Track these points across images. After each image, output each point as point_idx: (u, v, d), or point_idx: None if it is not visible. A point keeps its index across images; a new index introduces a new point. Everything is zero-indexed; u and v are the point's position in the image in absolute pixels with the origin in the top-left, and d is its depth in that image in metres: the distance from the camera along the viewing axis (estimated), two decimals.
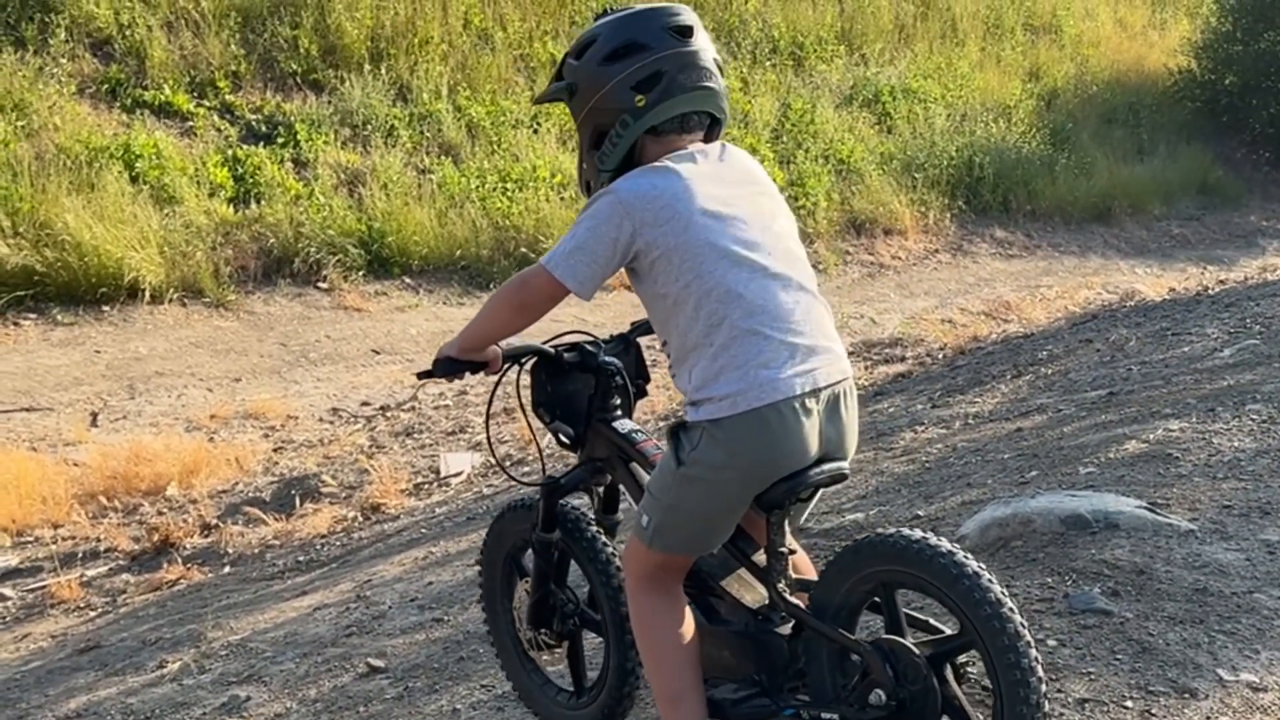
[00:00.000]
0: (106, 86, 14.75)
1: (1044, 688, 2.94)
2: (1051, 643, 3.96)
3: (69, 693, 5.75)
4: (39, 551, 8.79)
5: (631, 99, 3.22)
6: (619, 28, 3.28)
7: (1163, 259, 19.22)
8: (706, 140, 3.38)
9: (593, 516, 3.85)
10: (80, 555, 8.61)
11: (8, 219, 12.66)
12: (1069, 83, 23.13)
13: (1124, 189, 20.73)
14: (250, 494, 9.34)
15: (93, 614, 7.66)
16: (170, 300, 12.99)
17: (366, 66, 16.11)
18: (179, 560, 8.19)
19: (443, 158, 15.70)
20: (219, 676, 5.49)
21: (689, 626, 3.35)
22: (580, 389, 3.65)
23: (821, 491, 3.42)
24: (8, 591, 8.18)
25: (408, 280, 14.34)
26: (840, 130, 19.03)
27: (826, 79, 20.01)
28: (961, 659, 3.13)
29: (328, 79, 15.96)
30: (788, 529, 3.26)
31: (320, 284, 13.84)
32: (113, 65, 15.01)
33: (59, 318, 12.44)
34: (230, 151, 14.64)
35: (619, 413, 3.70)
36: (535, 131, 16.46)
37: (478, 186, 15.34)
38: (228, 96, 15.33)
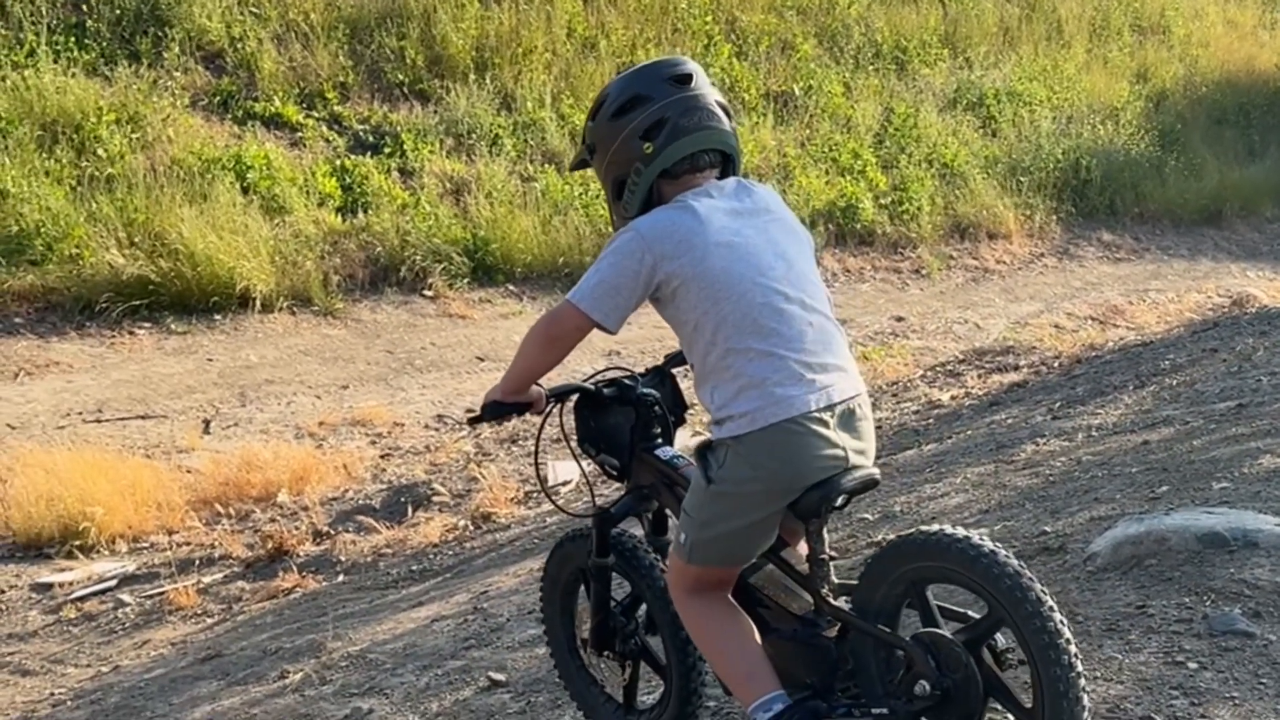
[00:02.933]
0: (218, 99, 14.96)
1: (1073, 649, 3.07)
2: (1192, 665, 3.87)
3: (193, 702, 5.81)
4: (155, 558, 8.91)
5: (640, 148, 3.47)
6: (624, 85, 3.57)
7: (1275, 261, 18.82)
8: (723, 176, 3.61)
9: (644, 540, 4.02)
10: (196, 562, 8.72)
11: (124, 230, 12.87)
12: (1178, 84, 22.72)
13: (1235, 190, 20.34)
14: (360, 501, 9.40)
15: (210, 621, 7.74)
16: (280, 309, 13.14)
17: (471, 76, 16.20)
18: (294, 568, 8.26)
19: (546, 166, 15.74)
20: (340, 688, 5.51)
21: (741, 614, 3.54)
22: (622, 422, 3.85)
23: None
24: (126, 598, 8.31)
25: (511, 287, 14.39)
26: (944, 134, 18.84)
27: (930, 82, 19.82)
28: (1002, 645, 3.25)
29: (433, 89, 16.07)
30: (826, 536, 3.43)
31: (426, 292, 13.94)
32: (224, 78, 15.23)
33: (173, 326, 12.63)
34: (338, 161, 14.79)
35: (660, 440, 3.88)
36: None
37: (581, 194, 15.36)
38: (336, 107, 15.48)
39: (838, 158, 17.57)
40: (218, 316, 12.85)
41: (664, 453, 3.85)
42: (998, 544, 3.18)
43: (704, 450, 3.42)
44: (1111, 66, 22.32)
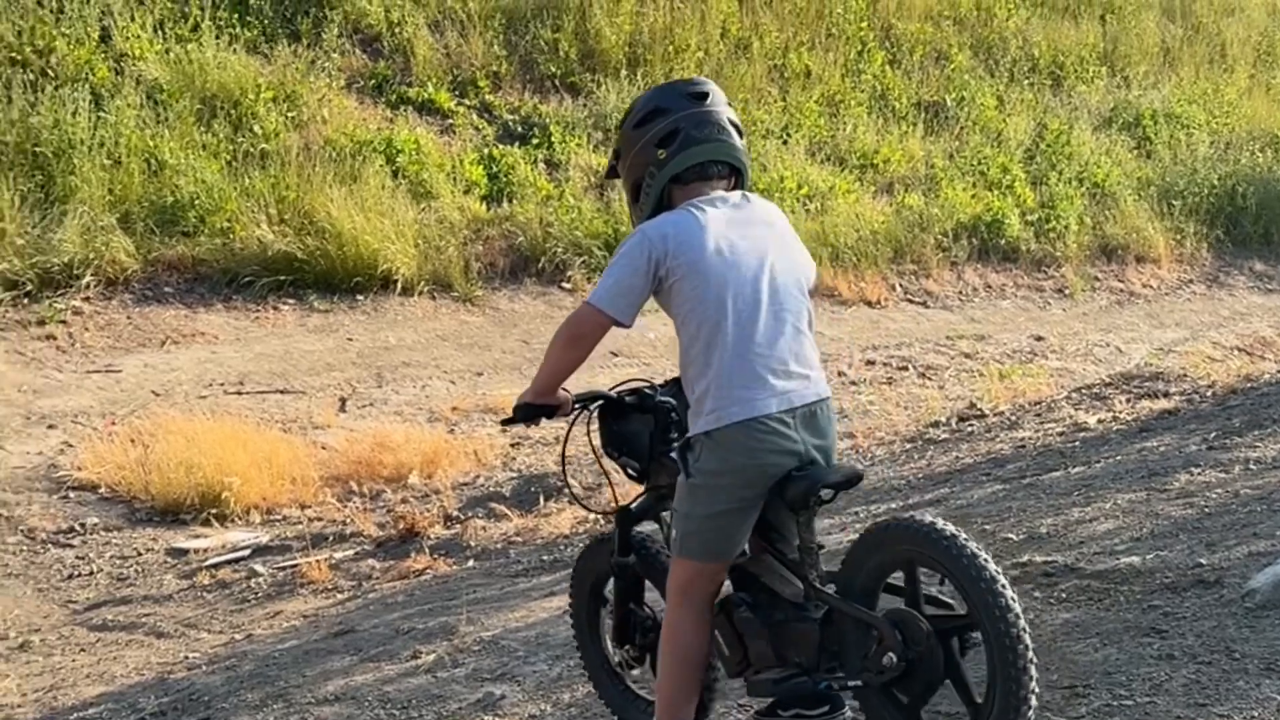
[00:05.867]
0: (373, 82, 15.18)
1: (1031, 654, 3.44)
2: None
3: (326, 675, 5.86)
4: (287, 530, 9.04)
5: (656, 154, 3.89)
6: (648, 99, 4.01)
7: None
8: (734, 188, 4.00)
9: (662, 542, 4.27)
10: (329, 538, 8.83)
11: (275, 206, 13.08)
12: None
13: None
14: (490, 488, 9.44)
15: (341, 596, 7.82)
16: (420, 293, 13.25)
17: (623, 71, 16.20)
18: (425, 550, 8.30)
19: None
20: (472, 672, 5.53)
21: (705, 645, 3.92)
22: (642, 428, 4.17)
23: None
24: (259, 568, 8.43)
25: None
26: (1097, 153, 18.46)
27: (1085, 100, 19.44)
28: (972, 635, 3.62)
29: (584, 82, 16.11)
30: (815, 526, 3.81)
31: (564, 284, 13.97)
32: (380, 61, 15.44)
33: (316, 304, 12.80)
34: (486, 150, 14.90)
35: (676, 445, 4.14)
36: (785, 143, 16.34)
37: None
38: (487, 96, 15.61)
39: (986, 171, 17.31)
40: (360, 297, 13.00)
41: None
42: (959, 529, 3.60)
43: (684, 448, 3.83)
44: (1274, 93, 21.71)
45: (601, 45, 16.33)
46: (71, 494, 9.49)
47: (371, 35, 15.60)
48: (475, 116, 15.38)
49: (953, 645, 3.61)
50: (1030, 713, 3.45)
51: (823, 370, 3.94)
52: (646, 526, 4.44)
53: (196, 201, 12.82)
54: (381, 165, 13.89)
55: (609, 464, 4.40)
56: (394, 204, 13.49)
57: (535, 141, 15.23)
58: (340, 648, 6.34)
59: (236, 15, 14.74)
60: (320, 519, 9.22)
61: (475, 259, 13.72)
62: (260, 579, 8.28)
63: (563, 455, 4.63)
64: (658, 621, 4.23)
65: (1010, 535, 6.04)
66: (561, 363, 3.94)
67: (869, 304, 14.85)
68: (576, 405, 4.15)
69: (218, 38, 14.31)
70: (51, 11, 13.78)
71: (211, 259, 12.69)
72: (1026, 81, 19.17)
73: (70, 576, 8.52)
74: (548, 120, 15.48)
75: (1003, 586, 3.45)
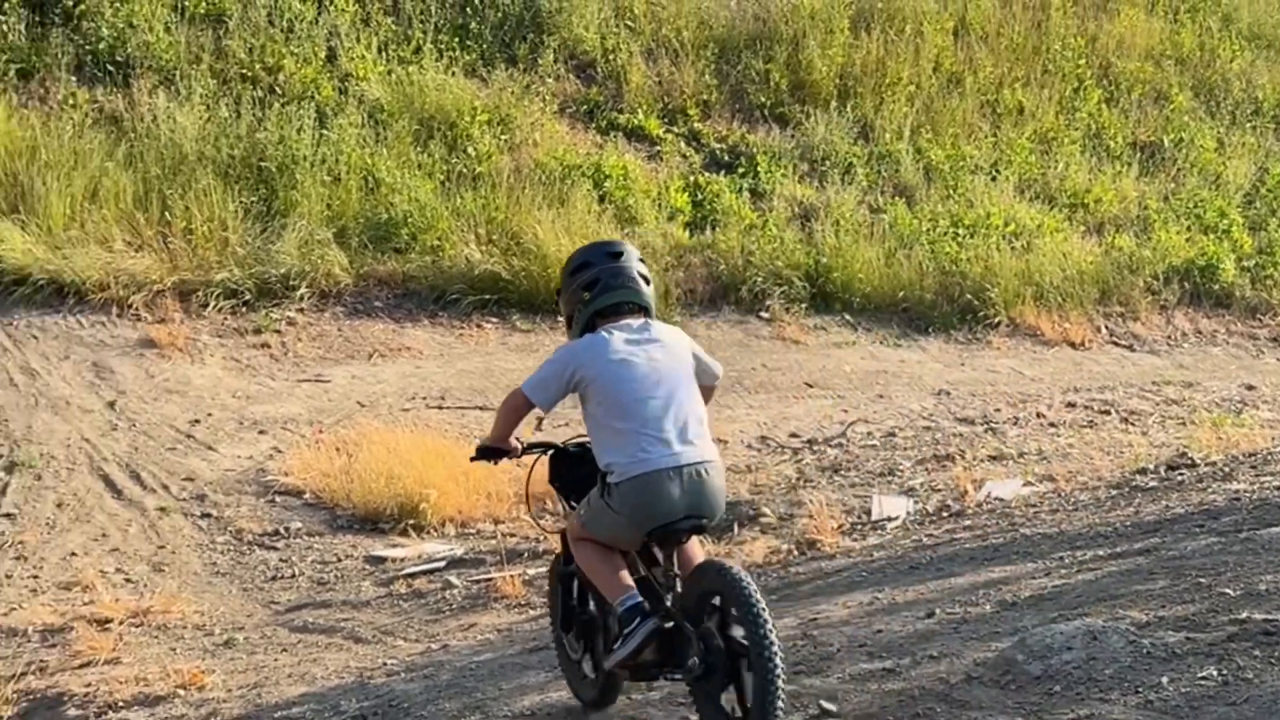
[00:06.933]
0: (585, 107, 15.47)
1: (777, 649, 4.63)
2: None
3: (521, 690, 5.94)
4: (481, 544, 9.19)
5: (582, 295, 5.28)
6: (579, 255, 5.46)
7: None
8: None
9: None
10: (522, 553, 8.94)
11: (484, 226, 13.39)
12: None
13: None
14: None
15: (533, 612, 7.92)
16: None
17: (833, 104, 16.18)
18: None
19: (897, 198, 15.55)
20: (667, 696, 5.56)
21: (611, 553, 5.18)
22: (584, 472, 5.29)
23: None
24: (454, 579, 8.59)
25: (848, 317, 14.27)
26: None
27: None
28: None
29: (793, 113, 16.11)
30: (675, 560, 5.11)
31: (763, 313, 13.96)
32: (593, 87, 15.71)
33: (518, 324, 13.03)
34: (692, 178, 15.02)
35: None
36: (994, 179, 16.10)
37: (928, 229, 15.13)
38: (696, 124, 15.73)
39: (1202, 215, 16.78)
40: (560, 318, 13.12)
41: None
42: (746, 574, 4.81)
43: (603, 479, 5.05)
44: None
45: (812, 77, 16.32)
46: (278, 498, 9.81)
47: (586, 61, 15.88)
48: (683, 144, 15.51)
49: (740, 661, 4.73)
50: (779, 703, 4.57)
51: (711, 440, 5.16)
52: None
53: (409, 219, 13.20)
54: (589, 189, 14.10)
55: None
56: (599, 228, 13.64)
57: (741, 171, 15.28)
58: (535, 663, 6.42)
59: (457, 39, 15.14)
60: (514, 535, 9.35)
61: (676, 285, 13.78)
62: (455, 590, 8.43)
63: (526, 489, 5.99)
64: (591, 616, 5.41)
65: (1227, 590, 5.83)
66: (506, 423, 5.34)
67: (1072, 345, 14.54)
68: (535, 450, 5.53)
69: (438, 60, 14.73)
70: (282, 31, 14.34)
71: (420, 276, 13.03)
72: (1249, 124, 18.55)
73: (273, 578, 8.80)
74: (754, 150, 15.52)
75: (762, 609, 4.64)
